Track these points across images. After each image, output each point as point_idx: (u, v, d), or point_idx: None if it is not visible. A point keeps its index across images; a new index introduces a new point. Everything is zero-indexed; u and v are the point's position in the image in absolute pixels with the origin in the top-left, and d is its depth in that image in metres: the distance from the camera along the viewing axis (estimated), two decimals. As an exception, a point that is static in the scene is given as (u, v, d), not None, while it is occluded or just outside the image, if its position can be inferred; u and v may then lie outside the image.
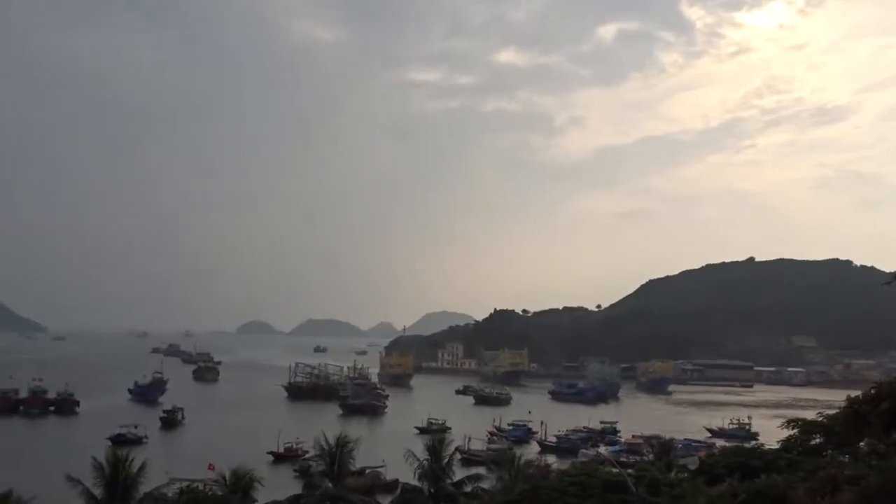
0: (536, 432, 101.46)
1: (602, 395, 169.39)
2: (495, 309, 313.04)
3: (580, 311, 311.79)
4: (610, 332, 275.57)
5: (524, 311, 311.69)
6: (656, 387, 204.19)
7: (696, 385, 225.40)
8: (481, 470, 54.05)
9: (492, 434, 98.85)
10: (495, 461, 54.05)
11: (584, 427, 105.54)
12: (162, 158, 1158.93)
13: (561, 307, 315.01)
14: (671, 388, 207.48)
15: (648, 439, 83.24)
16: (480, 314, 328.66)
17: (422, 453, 44.27)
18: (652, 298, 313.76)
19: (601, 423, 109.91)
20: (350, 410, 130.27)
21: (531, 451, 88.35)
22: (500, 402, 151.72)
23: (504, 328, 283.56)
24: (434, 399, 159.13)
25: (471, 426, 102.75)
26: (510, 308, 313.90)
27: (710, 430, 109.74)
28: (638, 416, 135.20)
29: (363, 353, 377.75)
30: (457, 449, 49.52)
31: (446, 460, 44.52)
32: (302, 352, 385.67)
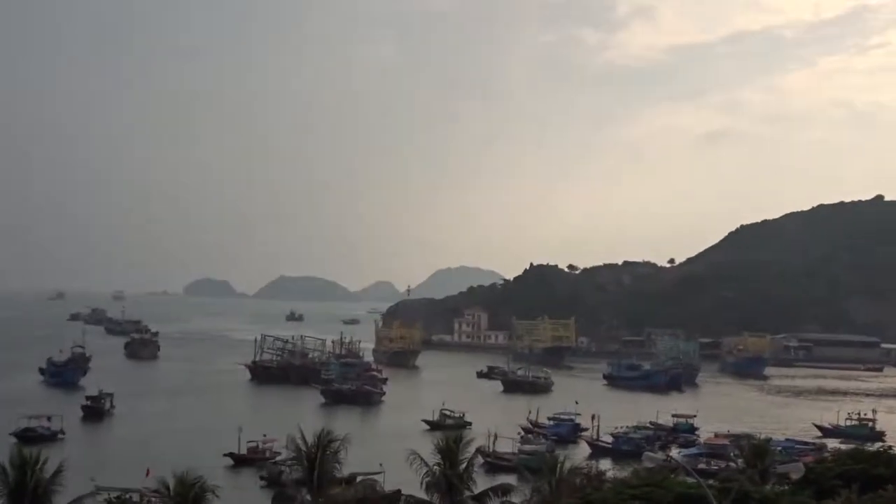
0: (586, 429, 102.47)
1: (675, 379, 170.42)
2: (532, 264, 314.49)
3: (646, 268, 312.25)
4: (686, 295, 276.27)
5: (570, 266, 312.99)
6: (748, 369, 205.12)
7: (802, 367, 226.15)
8: (511, 479, 54.54)
9: (526, 431, 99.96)
10: (530, 467, 54.49)
11: (650, 422, 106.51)
12: (82, 68, 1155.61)
13: (620, 262, 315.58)
14: (768, 371, 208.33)
15: (736, 439, 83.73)
16: (511, 271, 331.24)
17: (432, 456, 44.62)
18: (744, 250, 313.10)
19: (673, 416, 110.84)
20: (335, 398, 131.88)
21: (579, 453, 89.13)
22: (538, 388, 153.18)
23: (544, 289, 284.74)
24: (448, 384, 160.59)
25: (498, 420, 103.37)
26: (552, 263, 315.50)
27: (819, 428, 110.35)
28: (722, 408, 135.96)
29: (353, 322, 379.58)
30: (478, 451, 49.93)
31: (464, 465, 44.86)
32: (271, 320, 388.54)
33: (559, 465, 46.24)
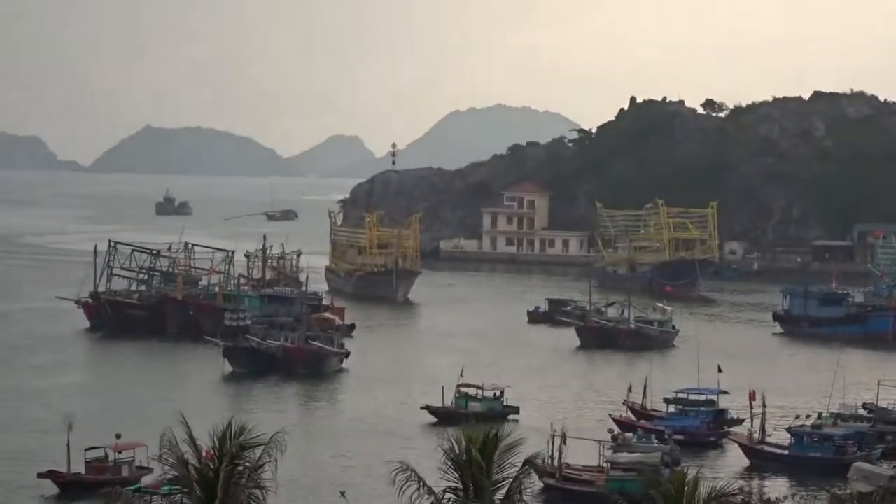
0: (741, 420, 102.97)
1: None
2: (633, 100, 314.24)
3: (858, 105, 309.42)
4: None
5: (708, 104, 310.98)
6: None
7: None
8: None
9: (624, 425, 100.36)
10: (631, 494, 54.80)
11: (863, 406, 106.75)
12: None
13: (807, 95, 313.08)
14: None
15: None
16: (593, 115, 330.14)
17: (440, 474, 44.98)
18: None
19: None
20: (254, 363, 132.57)
21: (726, 466, 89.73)
22: (648, 341, 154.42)
23: (656, 150, 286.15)
24: (473, 335, 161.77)
25: (570, 405, 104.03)
26: (671, 97, 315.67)
27: None
28: None
29: (287, 216, 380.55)
30: (530, 464, 50.09)
31: (504, 492, 45.29)
32: (129, 213, 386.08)
33: (689, 489, 46.51)
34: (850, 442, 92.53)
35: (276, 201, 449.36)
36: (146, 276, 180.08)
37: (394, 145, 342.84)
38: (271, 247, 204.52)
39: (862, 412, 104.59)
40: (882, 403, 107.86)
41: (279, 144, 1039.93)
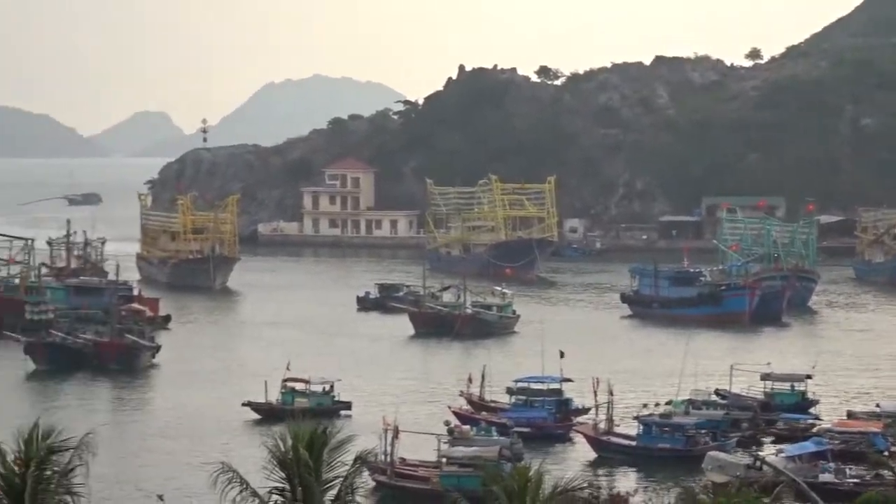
0: (586, 409, 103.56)
1: (769, 301, 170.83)
2: (462, 68, 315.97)
3: (705, 69, 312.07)
4: (789, 126, 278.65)
5: (543, 72, 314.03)
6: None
7: None
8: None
9: (462, 418, 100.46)
10: (469, 491, 54.92)
11: (716, 391, 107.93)
12: None
13: (648, 60, 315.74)
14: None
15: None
16: (421, 87, 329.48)
17: (263, 476, 44.75)
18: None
19: (765, 378, 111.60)
20: (58, 360, 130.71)
21: (571, 459, 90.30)
22: (486, 325, 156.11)
23: (489, 122, 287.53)
24: (297, 325, 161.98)
25: (405, 397, 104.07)
26: (503, 66, 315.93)
27: None
28: (866, 359, 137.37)
29: (91, 200, 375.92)
30: (362, 461, 50.13)
31: (336, 492, 45.20)
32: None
33: (530, 484, 46.74)
34: (703, 431, 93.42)
35: (78, 184, 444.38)
36: None
37: (204, 121, 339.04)
38: (75, 233, 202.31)
39: (715, 398, 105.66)
40: (736, 389, 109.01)
41: (80, 122, 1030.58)
